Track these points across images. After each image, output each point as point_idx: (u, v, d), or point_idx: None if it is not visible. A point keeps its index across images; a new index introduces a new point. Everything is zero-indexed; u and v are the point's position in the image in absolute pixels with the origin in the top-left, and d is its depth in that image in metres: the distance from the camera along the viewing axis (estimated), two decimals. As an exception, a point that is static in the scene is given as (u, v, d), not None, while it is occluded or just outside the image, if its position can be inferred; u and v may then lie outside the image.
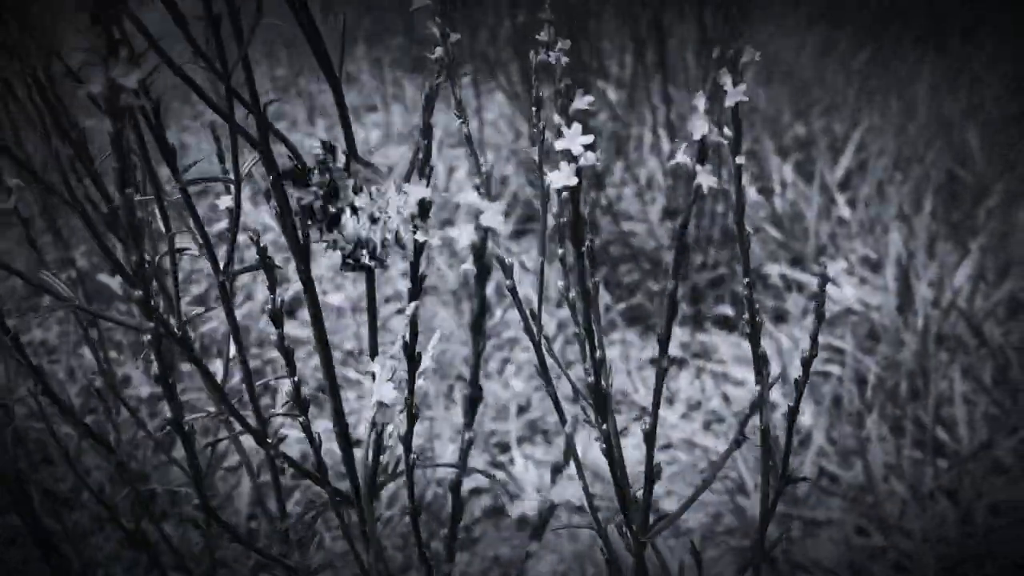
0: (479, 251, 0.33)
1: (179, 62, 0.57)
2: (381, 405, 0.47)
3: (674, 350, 1.89)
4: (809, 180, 2.27)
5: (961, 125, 2.50)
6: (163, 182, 0.63)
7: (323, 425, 1.70)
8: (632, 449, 1.67)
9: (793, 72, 3.01)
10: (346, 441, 0.62)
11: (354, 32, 3.48)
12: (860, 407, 1.61)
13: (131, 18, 0.54)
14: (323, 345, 0.62)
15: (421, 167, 0.59)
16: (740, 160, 0.50)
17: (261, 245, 0.58)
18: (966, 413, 1.55)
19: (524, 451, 1.65)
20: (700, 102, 0.46)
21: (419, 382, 0.70)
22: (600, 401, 0.62)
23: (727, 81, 0.48)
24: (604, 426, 0.63)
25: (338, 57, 0.58)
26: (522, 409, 1.74)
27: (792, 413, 0.64)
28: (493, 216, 0.32)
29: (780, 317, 1.94)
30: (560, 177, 0.47)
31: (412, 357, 0.54)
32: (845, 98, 2.77)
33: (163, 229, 0.66)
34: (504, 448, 1.65)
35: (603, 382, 0.61)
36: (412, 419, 0.54)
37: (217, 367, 1.73)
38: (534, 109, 0.63)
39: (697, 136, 0.46)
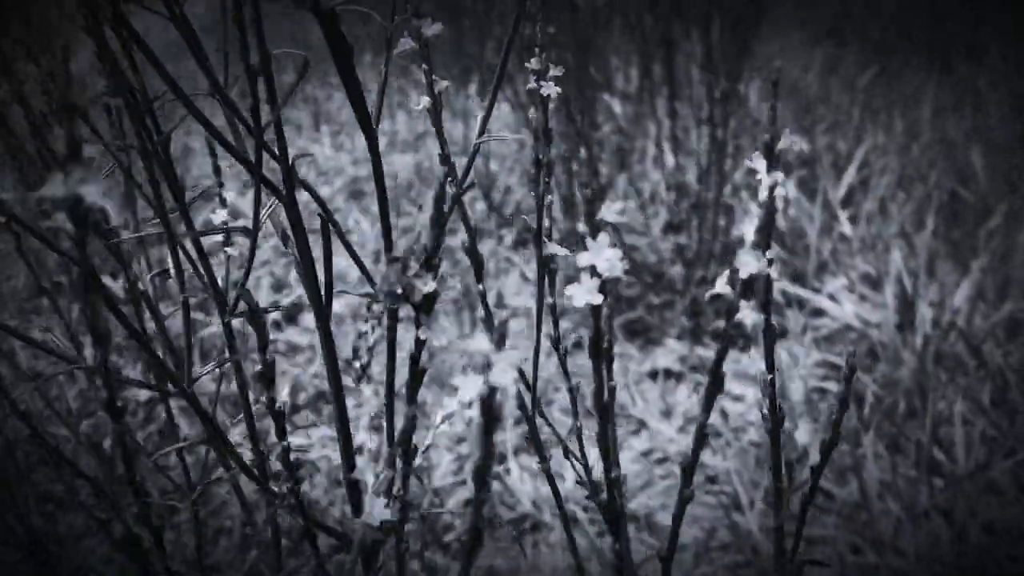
0: (487, 406, 0.31)
1: (186, 88, 0.57)
2: (369, 527, 0.45)
3: (673, 364, 1.89)
4: (812, 197, 2.27)
5: (965, 145, 2.51)
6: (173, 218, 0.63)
7: (321, 432, 1.70)
8: (629, 463, 1.67)
9: (798, 89, 3.01)
10: (355, 496, 0.61)
11: (360, 41, 3.49)
12: (857, 425, 1.61)
13: (151, 61, 0.54)
14: (338, 395, 0.60)
15: (428, 261, 0.57)
16: (771, 255, 0.46)
17: (253, 304, 0.56)
18: (963, 433, 1.55)
19: (520, 461, 1.65)
20: (749, 231, 0.42)
21: (443, 427, 0.67)
22: (614, 520, 0.60)
23: (761, 167, 0.44)
24: (617, 546, 0.61)
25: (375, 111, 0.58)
26: (518, 421, 1.74)
27: (806, 501, 0.61)
28: (504, 372, 0.30)
29: (780, 333, 1.94)
30: (582, 293, 0.42)
31: (407, 453, 0.52)
32: (849, 116, 2.78)
33: (177, 287, 0.66)
34: (501, 459, 1.65)
35: (617, 500, 0.59)
36: (405, 515, 0.53)
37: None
38: (534, 156, 0.60)
39: (744, 274, 0.42)
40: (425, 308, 0.53)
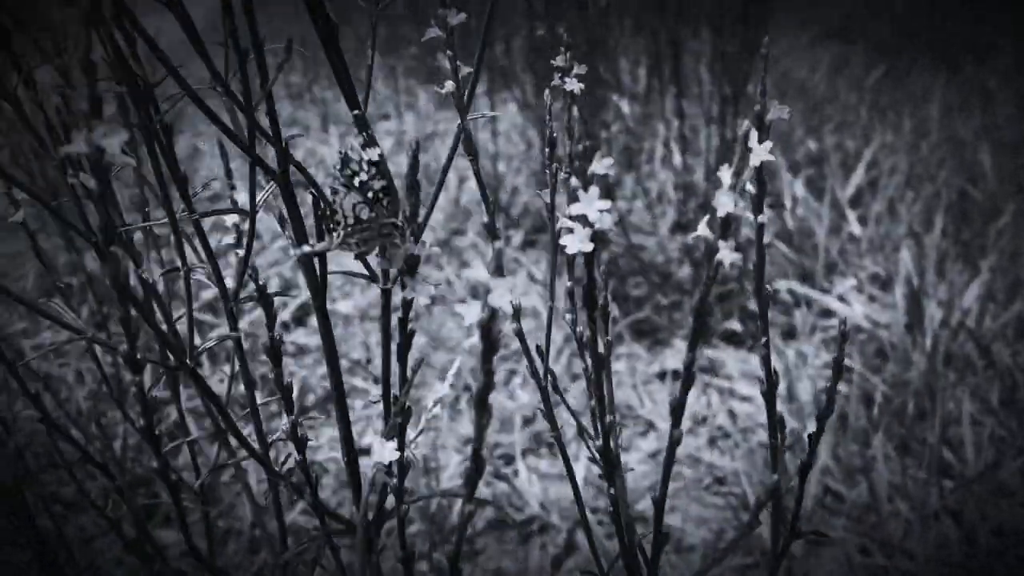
0: (486, 330, 0.33)
1: (196, 85, 0.57)
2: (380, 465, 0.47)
3: (681, 365, 1.88)
4: (820, 196, 2.27)
5: (974, 145, 2.50)
6: (177, 207, 0.63)
7: (330, 433, 1.70)
8: (637, 464, 1.67)
9: (806, 88, 3.01)
10: (355, 476, 0.61)
11: (368, 41, 3.49)
12: (866, 426, 1.61)
13: (148, 43, 0.55)
14: (338, 389, 0.61)
15: (417, 231, 0.58)
16: (763, 219, 0.48)
17: (260, 283, 0.57)
18: (972, 434, 1.54)
19: (528, 463, 1.65)
20: (725, 175, 0.44)
21: (436, 410, 0.69)
22: (609, 466, 0.61)
23: (753, 138, 0.46)
24: (612, 490, 0.62)
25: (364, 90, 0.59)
26: (527, 421, 1.74)
27: (804, 468, 0.62)
28: (501, 296, 0.32)
29: (789, 333, 1.93)
30: (574, 241, 0.44)
31: (404, 415, 0.53)
32: (858, 115, 2.77)
33: (179, 262, 0.66)
34: (509, 460, 1.65)
35: (612, 446, 0.60)
36: (403, 471, 0.54)
37: (219, 374, 1.73)
38: (547, 150, 0.62)
39: (722, 213, 0.43)
40: (408, 271, 0.55)
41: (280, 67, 0.53)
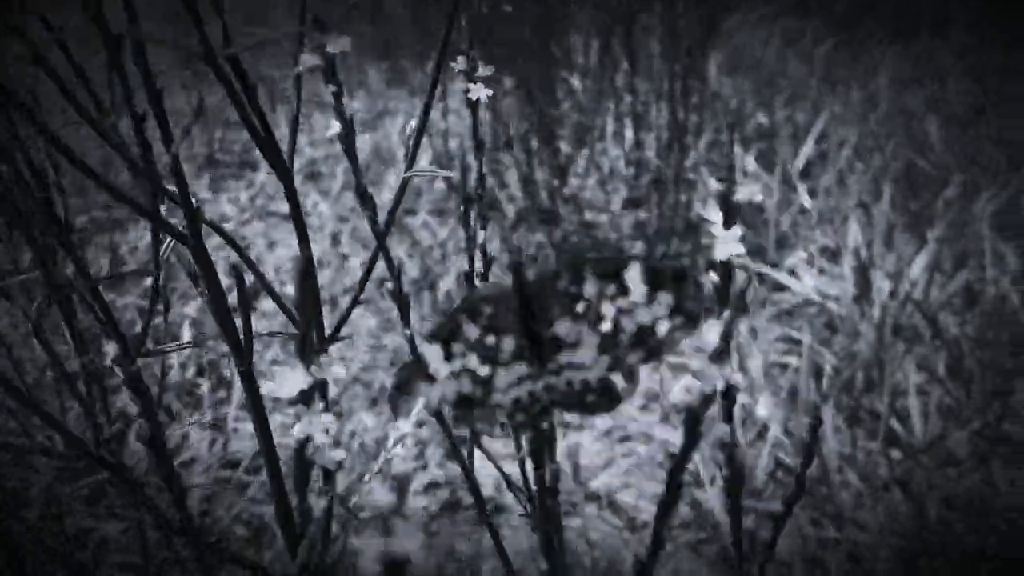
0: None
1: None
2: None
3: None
4: (771, 169, 2.27)
5: (922, 117, 2.52)
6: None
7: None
8: (592, 442, 1.67)
9: (759, 63, 3.01)
10: (289, 530, 0.58)
11: (321, 18, 3.44)
12: (816, 399, 1.62)
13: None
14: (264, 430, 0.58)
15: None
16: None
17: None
18: (920, 405, 1.56)
19: (484, 444, 1.64)
20: (712, 335, 0.38)
21: (396, 450, 0.65)
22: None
23: (718, 222, 0.40)
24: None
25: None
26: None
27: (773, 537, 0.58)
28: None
29: (740, 308, 1.94)
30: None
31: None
32: (808, 88, 2.78)
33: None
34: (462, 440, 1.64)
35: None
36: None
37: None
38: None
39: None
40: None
41: (187, 130, 0.50)
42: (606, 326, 0.39)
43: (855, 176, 2.24)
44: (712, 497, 1.49)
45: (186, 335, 1.83)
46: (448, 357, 0.39)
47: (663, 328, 0.39)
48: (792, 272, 1.96)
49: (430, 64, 2.96)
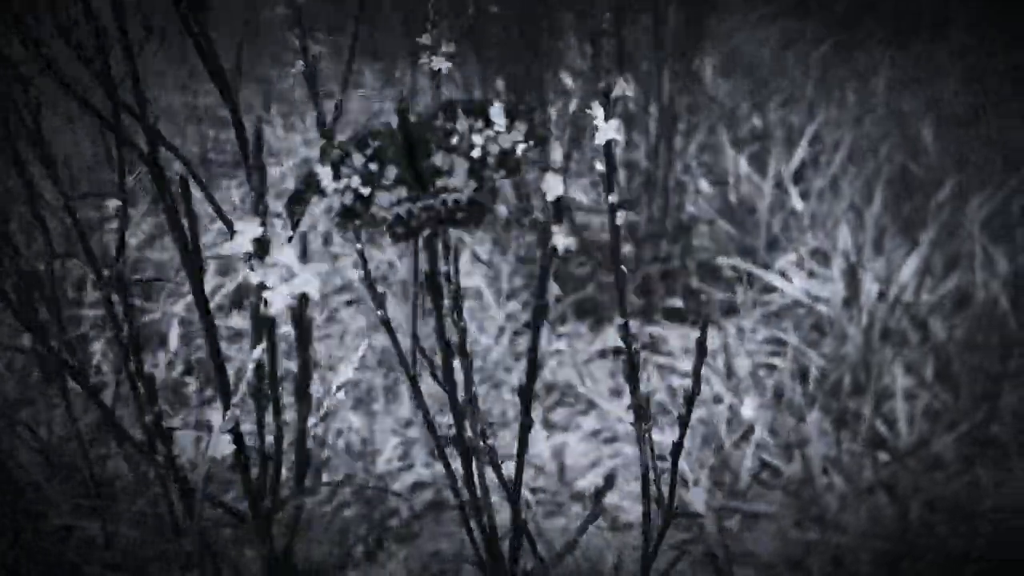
0: (297, 316, 0.31)
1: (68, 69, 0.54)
2: (212, 460, 0.44)
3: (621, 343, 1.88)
4: (763, 172, 2.27)
5: (918, 119, 2.51)
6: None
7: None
8: (577, 442, 1.67)
9: (754, 64, 3.01)
10: (240, 455, 0.59)
11: (316, 20, 3.44)
12: (802, 401, 1.61)
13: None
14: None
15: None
16: (613, 199, 0.47)
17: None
18: (906, 408, 1.56)
19: (469, 443, 1.64)
20: (557, 154, 0.44)
21: (339, 395, 0.68)
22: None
23: (599, 115, 0.46)
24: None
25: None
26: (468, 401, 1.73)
27: (676, 448, 0.61)
28: (307, 281, 0.30)
29: (730, 309, 1.93)
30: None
31: (303, 396, 0.52)
32: (804, 91, 2.77)
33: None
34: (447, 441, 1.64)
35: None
36: (304, 461, 0.52)
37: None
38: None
39: (551, 197, 0.44)
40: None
41: (141, 46, 0.51)
42: (476, 153, 0.48)
43: (848, 179, 2.24)
44: (696, 497, 1.48)
45: (174, 335, 1.83)
46: (337, 177, 0.48)
47: (520, 149, 0.47)
48: (782, 274, 1.96)
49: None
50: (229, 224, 0.59)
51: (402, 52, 3.18)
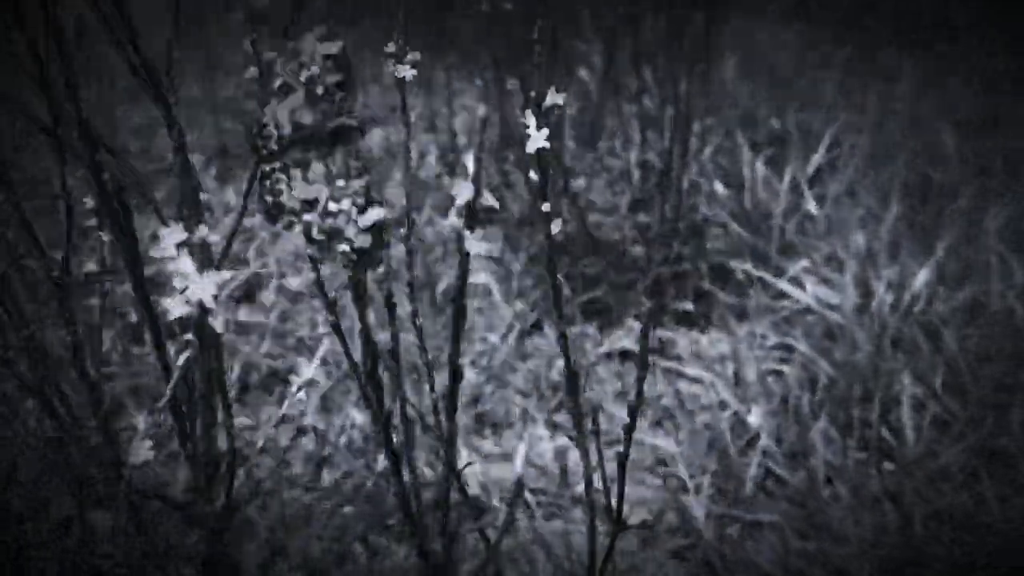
0: (197, 324, 0.31)
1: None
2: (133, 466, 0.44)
3: (632, 344, 1.87)
4: (780, 176, 2.24)
5: (937, 125, 2.48)
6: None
7: (273, 411, 1.68)
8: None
9: (774, 67, 2.98)
10: (196, 463, 0.59)
11: (334, 14, 3.44)
12: (810, 409, 1.60)
13: None
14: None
15: None
16: (546, 208, 0.46)
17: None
18: (914, 418, 1.54)
19: (472, 443, 1.63)
20: (469, 160, 0.44)
21: (300, 396, 0.68)
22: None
23: (532, 124, 0.45)
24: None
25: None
26: (474, 400, 1.72)
27: (621, 464, 0.60)
28: (204, 288, 0.30)
29: (741, 314, 1.92)
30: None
31: (209, 401, 0.52)
32: (823, 94, 2.75)
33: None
34: (451, 441, 1.63)
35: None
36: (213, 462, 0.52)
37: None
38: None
39: (461, 201, 0.44)
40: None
41: (79, 41, 0.50)
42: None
43: (865, 185, 2.21)
44: (699, 504, 1.47)
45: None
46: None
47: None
48: (795, 280, 1.94)
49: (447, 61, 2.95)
50: (155, 206, 0.59)
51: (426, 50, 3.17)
